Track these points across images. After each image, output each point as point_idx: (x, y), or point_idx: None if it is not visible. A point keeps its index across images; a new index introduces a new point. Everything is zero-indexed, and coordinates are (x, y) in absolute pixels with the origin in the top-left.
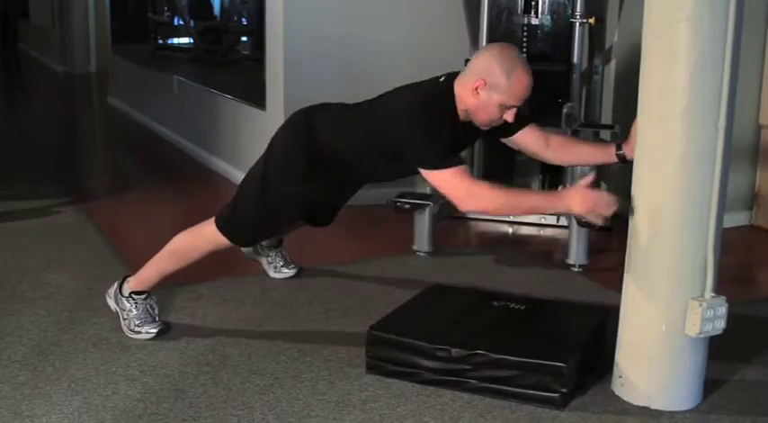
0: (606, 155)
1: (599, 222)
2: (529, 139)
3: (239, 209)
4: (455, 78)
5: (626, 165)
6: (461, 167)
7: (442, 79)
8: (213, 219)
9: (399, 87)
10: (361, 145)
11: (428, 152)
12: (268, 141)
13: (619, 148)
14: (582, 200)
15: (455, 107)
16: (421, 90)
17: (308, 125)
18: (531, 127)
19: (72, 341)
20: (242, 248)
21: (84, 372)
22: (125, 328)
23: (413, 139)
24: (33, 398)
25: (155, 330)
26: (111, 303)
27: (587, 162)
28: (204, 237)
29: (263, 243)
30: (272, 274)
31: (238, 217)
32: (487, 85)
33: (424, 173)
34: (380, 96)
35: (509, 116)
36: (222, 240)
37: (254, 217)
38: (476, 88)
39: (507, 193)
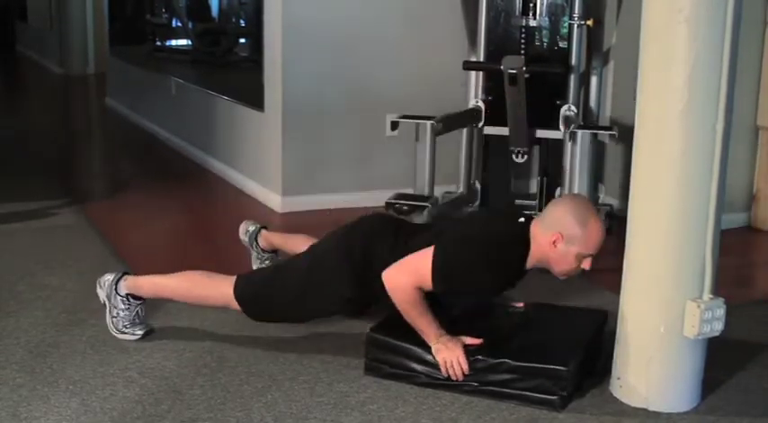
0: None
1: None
2: None
3: (269, 300)
4: (531, 222)
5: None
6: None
7: (521, 220)
8: (234, 281)
9: (474, 220)
10: None
11: (449, 276)
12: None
13: None
14: (446, 353)
15: (525, 257)
16: (497, 231)
17: (367, 257)
18: None
19: (70, 343)
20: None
21: (82, 373)
22: (111, 325)
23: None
24: (31, 400)
25: (141, 332)
26: (102, 293)
27: None
28: (221, 294)
29: (265, 253)
30: None
31: (265, 307)
32: (564, 238)
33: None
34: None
35: (586, 264)
36: (235, 306)
37: (283, 313)
38: (554, 242)
39: (420, 301)
